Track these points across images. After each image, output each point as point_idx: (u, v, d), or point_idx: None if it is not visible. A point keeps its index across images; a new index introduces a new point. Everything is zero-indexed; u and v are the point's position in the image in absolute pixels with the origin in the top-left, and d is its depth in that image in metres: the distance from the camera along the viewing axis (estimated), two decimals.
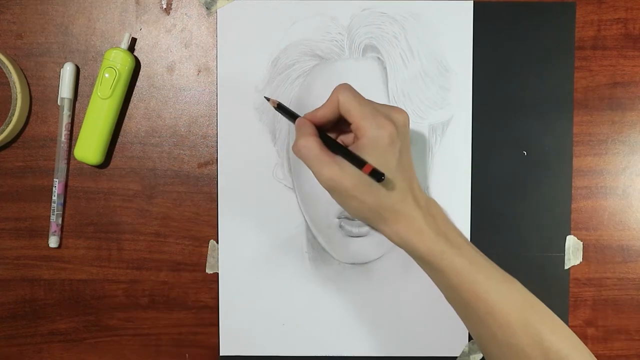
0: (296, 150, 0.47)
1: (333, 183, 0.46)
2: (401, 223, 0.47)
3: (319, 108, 0.49)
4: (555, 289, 0.58)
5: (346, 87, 0.48)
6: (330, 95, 0.48)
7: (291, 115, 0.51)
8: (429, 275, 0.49)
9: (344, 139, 0.51)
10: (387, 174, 0.45)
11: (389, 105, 0.49)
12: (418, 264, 0.49)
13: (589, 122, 0.58)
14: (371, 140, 0.45)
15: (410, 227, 0.47)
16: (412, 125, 0.56)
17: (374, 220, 0.48)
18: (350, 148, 0.47)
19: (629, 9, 0.57)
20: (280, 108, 0.52)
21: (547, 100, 0.57)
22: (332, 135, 0.51)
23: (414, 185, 0.48)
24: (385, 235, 0.48)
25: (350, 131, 0.49)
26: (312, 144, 0.46)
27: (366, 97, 0.56)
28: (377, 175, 0.44)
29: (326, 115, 0.48)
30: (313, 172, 0.47)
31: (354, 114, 0.46)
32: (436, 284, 0.49)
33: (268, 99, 0.52)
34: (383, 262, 0.58)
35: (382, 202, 0.46)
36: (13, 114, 0.56)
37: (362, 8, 0.56)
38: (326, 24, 0.57)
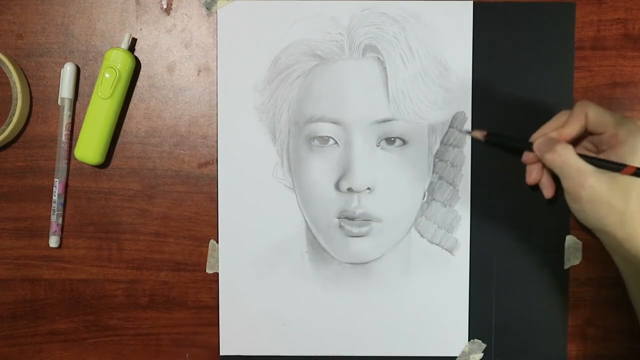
0: (554, 157, 0.48)
1: (592, 191, 0.46)
2: None
3: (562, 128, 0.49)
4: (554, 289, 0.58)
5: (590, 102, 0.49)
6: (574, 113, 0.49)
7: (511, 141, 0.53)
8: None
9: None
10: None
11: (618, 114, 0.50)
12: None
13: None
14: (634, 144, 0.47)
15: None
16: (412, 125, 0.56)
17: (614, 225, 0.47)
18: (602, 156, 0.49)
19: (629, 9, 0.57)
20: (493, 138, 0.53)
21: (547, 100, 0.57)
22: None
23: None
24: (619, 242, 0.48)
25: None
26: (571, 152, 0.47)
27: (366, 98, 0.56)
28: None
29: (574, 132, 0.49)
30: (569, 181, 0.47)
31: (609, 124, 0.48)
32: None
33: (469, 132, 0.55)
34: (383, 262, 0.58)
35: (629, 204, 0.46)
36: (13, 114, 0.56)
37: (362, 8, 0.56)
38: (326, 24, 0.56)
